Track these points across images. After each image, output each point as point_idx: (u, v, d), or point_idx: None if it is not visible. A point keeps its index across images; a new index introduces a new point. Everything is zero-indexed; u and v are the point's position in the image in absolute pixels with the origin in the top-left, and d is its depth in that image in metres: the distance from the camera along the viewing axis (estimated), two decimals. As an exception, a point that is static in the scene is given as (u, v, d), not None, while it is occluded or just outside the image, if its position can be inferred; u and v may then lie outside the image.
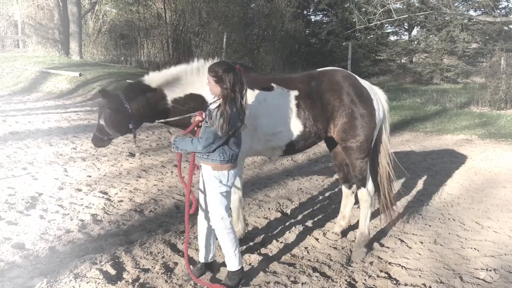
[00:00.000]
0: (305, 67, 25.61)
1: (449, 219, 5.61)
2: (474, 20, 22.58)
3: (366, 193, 4.66)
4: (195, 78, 4.28)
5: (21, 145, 8.63)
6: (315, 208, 5.96)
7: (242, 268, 3.93)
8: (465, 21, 23.58)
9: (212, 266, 4.15)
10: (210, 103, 3.67)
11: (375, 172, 4.91)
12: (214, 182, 3.67)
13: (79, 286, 3.80)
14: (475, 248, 4.74)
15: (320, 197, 6.36)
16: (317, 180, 7.23)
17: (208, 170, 3.68)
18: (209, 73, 3.53)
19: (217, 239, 3.96)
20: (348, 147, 4.54)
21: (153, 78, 4.26)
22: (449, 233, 5.15)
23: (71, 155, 8.11)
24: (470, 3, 25.42)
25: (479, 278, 4.11)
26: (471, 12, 25.28)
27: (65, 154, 8.16)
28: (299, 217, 5.63)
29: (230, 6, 24.02)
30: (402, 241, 4.94)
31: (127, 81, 13.74)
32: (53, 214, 5.42)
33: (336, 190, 6.69)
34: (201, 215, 3.92)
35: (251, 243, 4.79)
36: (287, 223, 5.39)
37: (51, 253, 4.44)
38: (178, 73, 4.30)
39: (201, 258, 4.06)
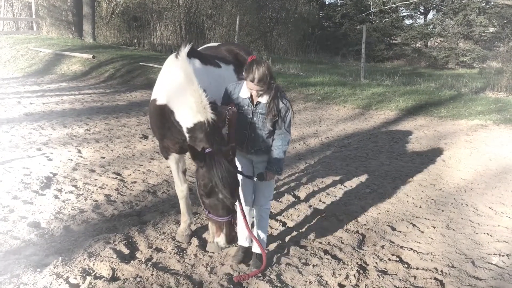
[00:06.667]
0: (318, 51, 25.35)
1: (462, 204, 5.57)
2: (492, 3, 22.07)
3: None
4: None
5: (36, 126, 8.72)
6: (326, 191, 5.96)
7: None
8: (482, 4, 23.08)
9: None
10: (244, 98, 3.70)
11: None
12: None
13: (93, 264, 3.86)
14: (488, 234, 4.71)
15: (332, 181, 6.34)
16: (329, 164, 7.22)
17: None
18: (260, 83, 3.52)
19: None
20: None
21: None
22: (462, 218, 5.12)
23: (84, 137, 8.18)
24: (488, -15, 24.84)
25: (492, 263, 4.10)
26: (489, -5, 24.74)
27: (79, 136, 8.24)
28: (311, 200, 5.63)
29: (244, -12, 23.81)
30: (414, 225, 4.93)
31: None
32: (68, 194, 5.50)
33: (349, 174, 6.68)
34: (247, 202, 3.96)
35: (262, 225, 4.81)
36: (299, 206, 5.40)
37: (66, 232, 4.52)
38: None
39: (246, 243, 4.08)
